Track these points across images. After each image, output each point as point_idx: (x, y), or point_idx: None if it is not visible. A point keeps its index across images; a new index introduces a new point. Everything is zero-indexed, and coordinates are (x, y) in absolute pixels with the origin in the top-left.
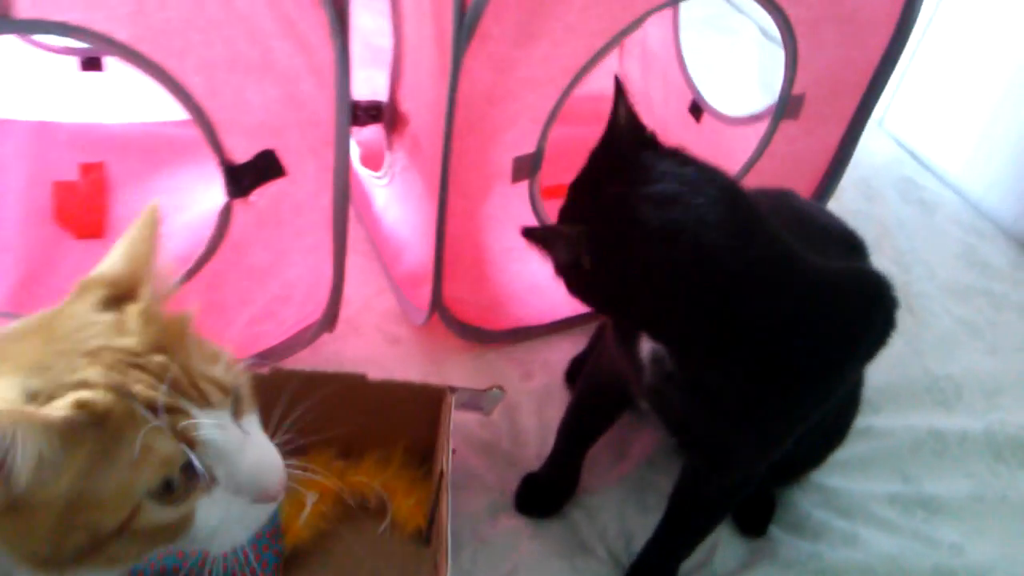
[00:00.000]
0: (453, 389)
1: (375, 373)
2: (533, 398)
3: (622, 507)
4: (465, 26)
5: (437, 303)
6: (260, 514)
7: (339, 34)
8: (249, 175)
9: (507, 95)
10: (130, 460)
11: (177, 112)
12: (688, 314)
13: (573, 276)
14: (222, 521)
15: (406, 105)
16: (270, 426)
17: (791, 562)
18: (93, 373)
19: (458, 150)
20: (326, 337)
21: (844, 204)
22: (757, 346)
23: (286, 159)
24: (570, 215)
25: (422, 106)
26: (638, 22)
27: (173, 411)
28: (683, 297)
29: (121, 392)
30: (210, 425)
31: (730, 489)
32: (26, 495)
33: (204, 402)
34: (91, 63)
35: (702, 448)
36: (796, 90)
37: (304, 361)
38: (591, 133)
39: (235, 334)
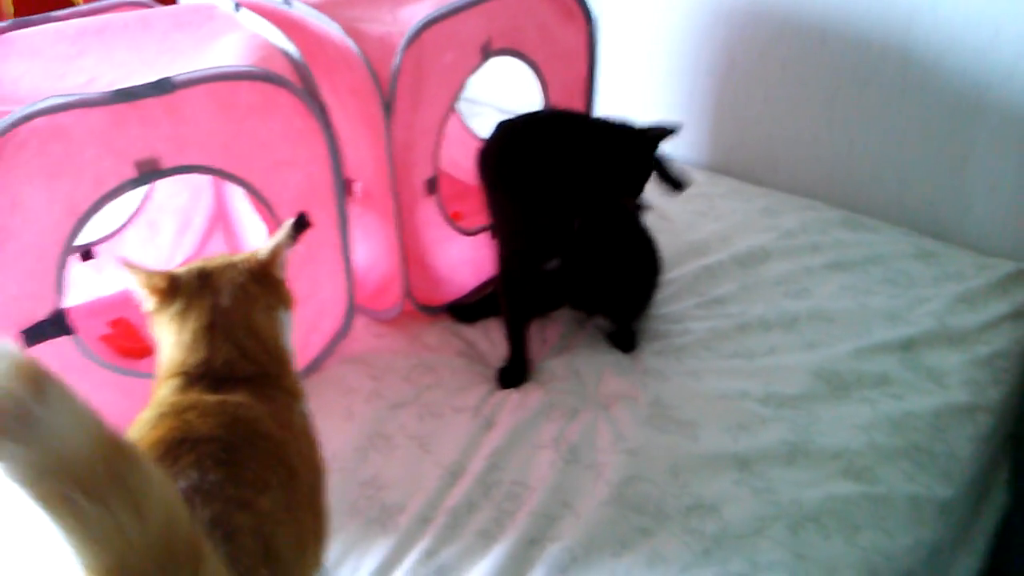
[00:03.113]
0: None
1: (376, 359)
2: (480, 331)
3: (552, 361)
4: (386, 106)
5: (407, 292)
6: None
7: (328, 132)
8: (294, 230)
9: (413, 142)
10: None
11: None
12: None
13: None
14: None
15: (352, 174)
16: None
17: (655, 352)
18: None
19: (398, 185)
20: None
21: None
22: None
23: (311, 215)
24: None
25: (366, 168)
26: (463, 88)
27: None
28: None
29: None
30: None
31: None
32: None
33: None
34: (86, 255)
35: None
36: (551, 101)
37: (331, 358)
38: None
39: (299, 345)
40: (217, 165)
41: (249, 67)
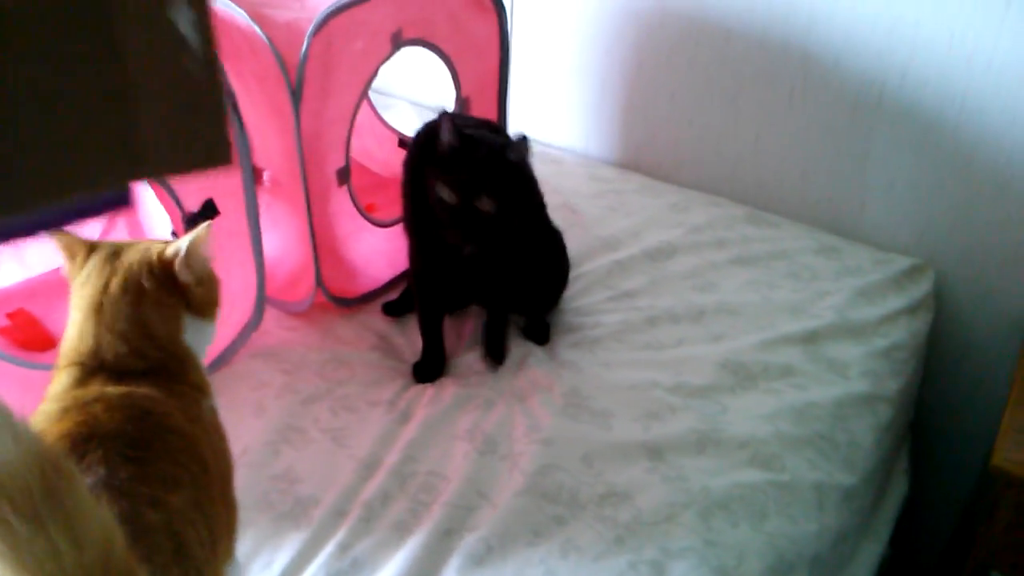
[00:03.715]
0: None
1: (288, 353)
2: (397, 327)
3: (468, 355)
4: (294, 94)
5: (320, 283)
6: None
7: (235, 118)
8: (200, 218)
9: (322, 131)
10: None
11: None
12: None
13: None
14: None
15: (260, 162)
16: None
17: (569, 344)
18: None
19: (308, 175)
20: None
21: None
22: None
23: (219, 204)
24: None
25: (274, 157)
26: (374, 77)
27: None
28: None
29: None
30: None
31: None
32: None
33: None
34: None
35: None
36: (464, 94)
37: (241, 352)
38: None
39: None
40: None
41: None
